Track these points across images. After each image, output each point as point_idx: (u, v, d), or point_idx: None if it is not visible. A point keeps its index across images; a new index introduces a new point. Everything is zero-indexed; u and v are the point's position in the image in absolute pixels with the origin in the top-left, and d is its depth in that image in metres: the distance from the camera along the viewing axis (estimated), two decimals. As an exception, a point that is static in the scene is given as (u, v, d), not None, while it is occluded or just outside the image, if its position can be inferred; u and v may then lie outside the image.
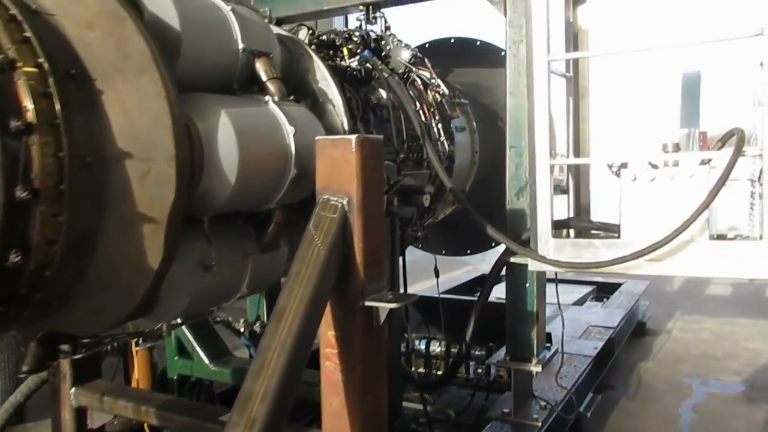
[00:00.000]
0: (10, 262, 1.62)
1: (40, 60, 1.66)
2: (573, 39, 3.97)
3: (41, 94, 1.64)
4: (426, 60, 3.78)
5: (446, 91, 3.78)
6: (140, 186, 1.85)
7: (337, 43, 3.28)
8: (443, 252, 5.22)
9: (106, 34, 1.86)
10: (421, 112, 3.55)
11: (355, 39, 3.34)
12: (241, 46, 2.34)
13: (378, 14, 4.06)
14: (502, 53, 3.69)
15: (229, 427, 1.75)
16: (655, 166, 3.05)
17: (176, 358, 3.62)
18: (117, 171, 1.81)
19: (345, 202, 2.21)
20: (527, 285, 3.64)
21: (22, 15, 1.72)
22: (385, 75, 3.20)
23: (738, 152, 2.69)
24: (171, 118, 1.88)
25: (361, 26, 4.08)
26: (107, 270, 1.90)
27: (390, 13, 4.07)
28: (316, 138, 2.25)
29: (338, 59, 3.10)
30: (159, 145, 1.86)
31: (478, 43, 4.88)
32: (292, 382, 1.90)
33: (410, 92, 3.56)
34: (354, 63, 3.07)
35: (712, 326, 6.93)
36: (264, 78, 2.41)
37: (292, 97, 2.47)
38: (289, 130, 2.29)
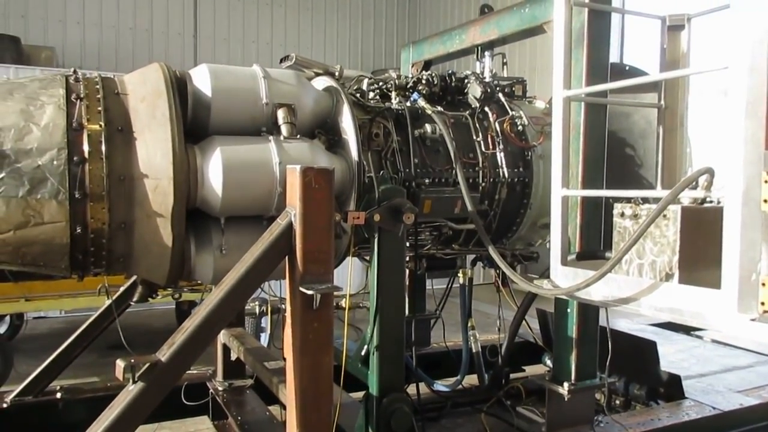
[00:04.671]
0: (77, 232, 3.01)
1: (101, 122, 3.02)
2: (672, 66, 3.85)
3: (98, 141, 3.00)
4: (501, 95, 4.16)
5: (527, 121, 4.09)
6: (153, 195, 3.07)
7: (408, 86, 4.02)
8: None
9: (149, 104, 3.13)
10: (482, 142, 3.99)
11: (423, 82, 4.01)
12: (264, 101, 3.38)
13: (487, 53, 4.58)
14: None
15: (163, 347, 2.82)
16: (640, 202, 3.00)
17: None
18: (139, 185, 3.06)
19: (293, 213, 3.06)
20: (568, 310, 3.75)
21: (104, 95, 3.11)
22: (429, 112, 3.80)
23: (676, 193, 2.59)
24: (173, 154, 3.05)
25: (481, 63, 4.67)
26: (143, 245, 3.18)
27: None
28: (287, 166, 3.16)
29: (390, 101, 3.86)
30: (163, 170, 3.06)
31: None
32: (208, 327, 2.88)
33: (476, 125, 4.03)
34: (395, 105, 3.79)
35: None
36: (280, 122, 3.39)
37: (298, 136, 3.39)
38: (275, 161, 3.24)
